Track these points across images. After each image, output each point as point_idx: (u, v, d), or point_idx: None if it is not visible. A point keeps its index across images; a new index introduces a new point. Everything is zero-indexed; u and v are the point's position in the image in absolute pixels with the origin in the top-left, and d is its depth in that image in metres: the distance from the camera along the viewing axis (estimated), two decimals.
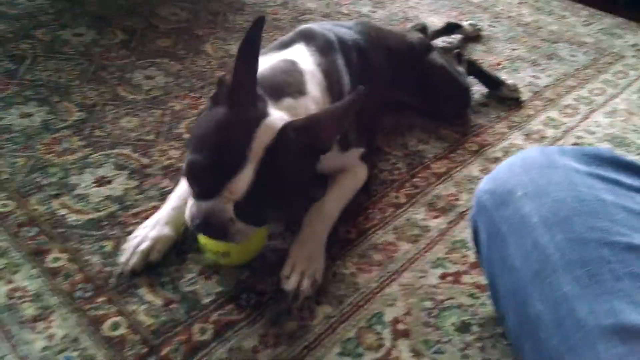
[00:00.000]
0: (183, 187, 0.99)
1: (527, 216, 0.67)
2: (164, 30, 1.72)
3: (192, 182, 0.85)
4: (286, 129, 0.84)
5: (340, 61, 1.12)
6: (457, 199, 1.16)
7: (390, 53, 1.31)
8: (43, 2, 1.79)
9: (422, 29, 1.65)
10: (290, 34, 1.14)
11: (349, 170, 1.09)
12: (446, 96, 1.41)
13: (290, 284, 0.89)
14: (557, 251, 0.63)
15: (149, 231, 0.93)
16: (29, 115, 1.25)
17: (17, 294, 0.85)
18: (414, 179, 1.21)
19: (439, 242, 1.05)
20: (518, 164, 0.75)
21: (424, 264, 0.99)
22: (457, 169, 1.26)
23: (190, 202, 0.86)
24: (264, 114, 0.85)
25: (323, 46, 1.11)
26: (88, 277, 0.89)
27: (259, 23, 0.83)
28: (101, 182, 1.09)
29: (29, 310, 0.83)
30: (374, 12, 2.06)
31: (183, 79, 1.47)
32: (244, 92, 0.84)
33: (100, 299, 0.86)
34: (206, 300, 0.88)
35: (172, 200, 0.98)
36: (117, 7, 1.83)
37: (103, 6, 1.82)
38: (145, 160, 1.16)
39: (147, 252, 0.91)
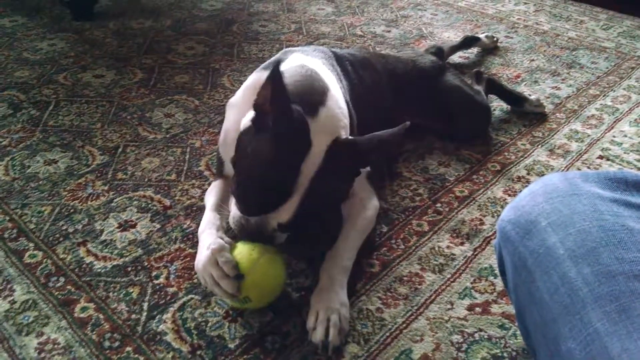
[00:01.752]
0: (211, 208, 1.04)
1: (553, 248, 0.66)
2: (181, 65, 1.75)
3: (241, 201, 0.91)
4: (330, 152, 0.90)
5: (339, 71, 1.15)
6: (481, 223, 1.15)
7: (394, 77, 1.32)
8: (64, 45, 1.84)
9: (437, 51, 1.64)
10: (279, 54, 1.16)
11: (359, 202, 1.08)
12: (464, 117, 1.39)
13: (317, 336, 0.87)
14: (585, 285, 0.61)
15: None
16: (54, 161, 1.28)
17: (47, 347, 0.86)
18: (436, 205, 1.20)
19: (465, 271, 1.03)
20: (540, 192, 0.73)
21: (450, 295, 0.98)
22: (480, 191, 1.24)
23: (232, 215, 0.93)
24: (308, 140, 0.89)
25: (317, 53, 1.14)
26: (115, 326, 0.90)
27: (276, 78, 0.85)
28: (125, 226, 1.10)
29: None
30: (388, 31, 2.06)
31: (202, 114, 1.49)
32: (282, 115, 0.87)
33: (128, 348, 0.86)
34: (232, 345, 0.87)
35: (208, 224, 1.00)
36: (135, 46, 1.86)
37: (121, 46, 1.87)
38: (167, 201, 1.17)
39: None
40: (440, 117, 1.39)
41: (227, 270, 0.87)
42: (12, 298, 0.94)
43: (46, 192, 1.19)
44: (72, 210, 1.14)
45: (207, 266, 0.88)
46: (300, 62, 1.07)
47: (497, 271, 1.01)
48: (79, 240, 1.07)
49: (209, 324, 0.91)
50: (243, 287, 0.87)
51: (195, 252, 0.97)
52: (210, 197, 1.07)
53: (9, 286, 0.96)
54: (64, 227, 1.10)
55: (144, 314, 0.92)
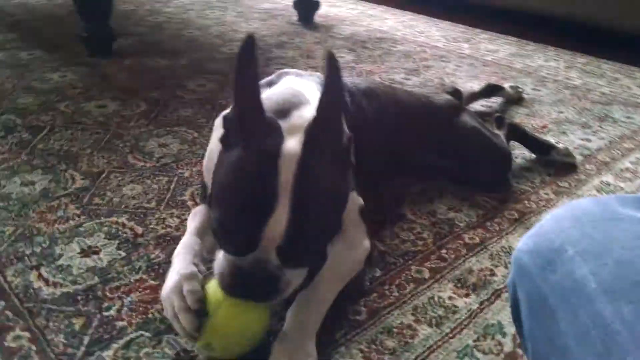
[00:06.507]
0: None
1: (583, 281, 0.50)
2: (188, 100, 1.69)
3: (225, 239, 0.76)
4: (307, 145, 0.75)
5: None
6: (492, 274, 0.99)
7: (402, 110, 1.21)
8: (74, 77, 1.82)
9: (454, 92, 1.53)
10: (273, 75, 1.06)
11: (347, 239, 0.92)
12: (481, 162, 1.26)
13: None
14: (625, 328, 0.46)
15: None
16: (32, 183, 1.20)
17: None
18: (441, 251, 1.05)
19: (467, 326, 0.87)
20: (567, 216, 0.58)
21: (447, 353, 0.81)
22: (494, 239, 1.09)
23: (221, 261, 0.75)
24: (280, 140, 0.76)
25: (312, 78, 1.04)
26: None
27: (248, 43, 0.74)
28: (88, 252, 0.99)
29: None
30: (408, 79, 1.98)
31: (198, 146, 1.40)
32: (252, 122, 0.76)
33: None
34: None
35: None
36: (145, 82, 1.83)
37: (132, 80, 1.83)
38: (139, 229, 1.06)
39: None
40: (454, 159, 1.26)
41: (189, 302, 0.74)
42: None
43: (13, 212, 1.09)
44: (35, 232, 1.04)
45: (171, 293, 0.76)
46: (290, 84, 0.98)
47: (506, 329, 0.85)
48: (33, 264, 0.95)
49: None
50: (205, 329, 0.73)
51: (158, 285, 0.84)
52: (193, 221, 0.95)
53: None
54: (21, 249, 0.99)
55: (82, 348, 0.79)
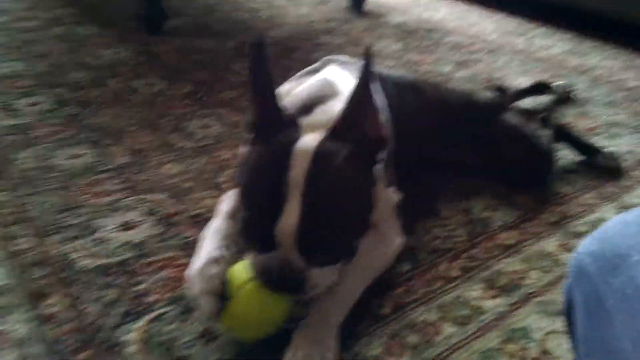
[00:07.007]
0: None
1: None
2: (233, 82, 1.71)
3: (249, 237, 0.78)
4: (324, 141, 0.75)
5: (378, 88, 1.02)
6: (524, 278, 0.97)
7: (444, 107, 1.18)
8: (126, 55, 1.87)
9: (499, 90, 1.49)
10: (318, 62, 1.06)
11: (380, 236, 0.92)
12: (520, 160, 1.22)
13: None
14: None
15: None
16: (78, 156, 1.25)
17: (5, 336, 0.78)
18: (473, 250, 1.03)
19: (493, 328, 0.85)
20: (635, 221, 0.57)
21: (470, 354, 0.80)
22: (529, 241, 1.06)
23: (254, 255, 0.77)
24: (295, 137, 0.76)
25: (353, 67, 1.02)
26: (78, 328, 0.80)
27: (258, 46, 0.75)
28: (125, 226, 1.03)
29: (9, 357, 0.75)
30: (456, 72, 1.93)
31: (239, 129, 1.42)
32: (269, 122, 0.77)
33: (82, 355, 0.76)
34: None
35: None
36: (193, 62, 1.86)
37: (180, 60, 1.86)
38: (175, 208, 1.08)
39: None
40: (492, 158, 1.24)
41: (212, 286, 0.75)
42: None
43: (59, 184, 1.14)
44: (77, 205, 1.08)
45: (196, 276, 0.78)
46: (326, 75, 0.98)
47: (533, 335, 0.83)
48: (73, 235, 1.00)
49: (179, 342, 0.79)
50: (225, 312, 0.75)
51: (188, 264, 0.86)
52: (223, 205, 0.96)
53: None
54: (64, 220, 1.03)
55: (113, 320, 0.82)
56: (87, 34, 2.04)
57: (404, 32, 2.34)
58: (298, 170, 0.72)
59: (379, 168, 0.85)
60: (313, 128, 0.78)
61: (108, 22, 2.19)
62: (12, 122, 1.39)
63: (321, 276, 0.76)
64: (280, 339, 0.77)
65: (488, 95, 1.34)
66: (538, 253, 1.03)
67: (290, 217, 0.71)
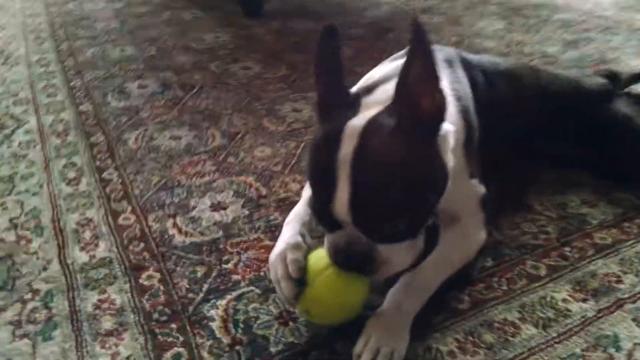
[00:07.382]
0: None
1: None
2: None
3: (316, 218, 0.80)
4: (375, 117, 0.74)
5: (461, 75, 0.99)
6: (618, 281, 0.91)
7: (546, 95, 1.11)
8: (226, 38, 1.95)
9: (610, 74, 1.37)
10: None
11: (461, 229, 0.90)
12: (627, 154, 1.13)
13: None
14: None
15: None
16: (178, 138, 1.33)
17: (104, 305, 0.87)
18: (564, 248, 0.98)
19: (578, 333, 0.81)
20: None
21: (550, 358, 0.77)
22: (629, 242, 0.99)
23: (326, 236, 0.79)
24: (352, 115, 0.76)
25: (442, 57, 0.98)
26: (170, 301, 0.87)
27: (328, 33, 0.76)
28: (217, 207, 1.09)
29: (108, 323, 0.83)
30: (564, 53, 1.81)
31: None
32: (333, 103, 0.78)
33: (172, 325, 0.83)
34: (273, 349, 0.79)
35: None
36: (289, 44, 1.90)
37: (277, 43, 1.91)
38: (263, 191, 1.13)
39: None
40: (596, 149, 1.15)
41: (291, 270, 0.78)
42: (93, 253, 0.97)
43: (160, 164, 1.23)
44: (175, 184, 1.16)
45: (276, 260, 0.81)
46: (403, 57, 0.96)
47: (622, 344, 0.78)
48: (170, 212, 1.08)
49: (258, 321, 0.84)
50: (303, 297, 0.78)
51: (272, 246, 0.90)
52: (307, 191, 1.00)
53: (95, 241, 1.00)
54: (163, 198, 1.12)
55: (201, 295, 0.88)
56: (192, 18, 2.15)
57: (507, 10, 2.23)
58: (347, 147, 0.72)
59: (457, 151, 0.83)
60: (371, 106, 0.77)
61: (211, 6, 2.29)
62: (124, 104, 1.51)
63: (391, 254, 0.74)
64: (355, 326, 0.79)
65: (597, 80, 1.24)
66: (638, 255, 0.96)
67: (342, 194, 0.71)
